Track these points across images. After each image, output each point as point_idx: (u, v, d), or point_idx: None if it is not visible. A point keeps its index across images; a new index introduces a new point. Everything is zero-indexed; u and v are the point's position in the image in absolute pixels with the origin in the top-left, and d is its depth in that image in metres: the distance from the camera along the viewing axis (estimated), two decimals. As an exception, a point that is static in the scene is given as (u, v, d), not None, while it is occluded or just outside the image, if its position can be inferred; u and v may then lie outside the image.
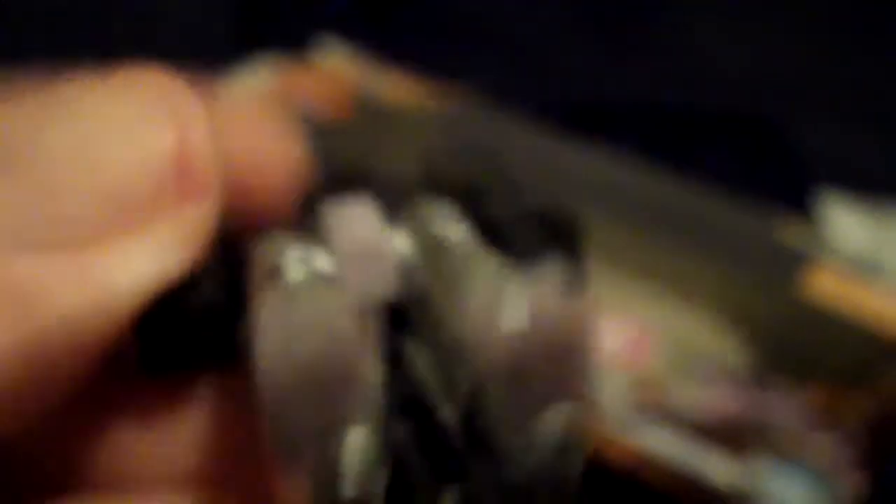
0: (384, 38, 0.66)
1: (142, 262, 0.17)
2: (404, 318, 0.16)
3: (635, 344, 0.56)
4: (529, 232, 0.16)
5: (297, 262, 0.16)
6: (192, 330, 0.17)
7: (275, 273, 0.16)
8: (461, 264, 0.16)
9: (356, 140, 0.65)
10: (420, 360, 0.16)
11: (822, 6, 0.86)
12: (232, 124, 0.18)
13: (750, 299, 0.57)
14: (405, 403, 0.16)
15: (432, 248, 0.17)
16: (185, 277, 0.17)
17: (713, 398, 0.46)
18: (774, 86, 0.84)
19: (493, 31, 0.72)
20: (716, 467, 0.43)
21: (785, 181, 0.77)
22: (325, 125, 0.60)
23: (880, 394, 0.47)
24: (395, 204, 0.17)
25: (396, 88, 0.63)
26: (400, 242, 0.17)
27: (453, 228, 0.16)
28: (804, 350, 0.53)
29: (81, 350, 0.16)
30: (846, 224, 0.72)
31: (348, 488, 0.15)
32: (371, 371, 0.16)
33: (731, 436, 0.44)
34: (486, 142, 0.64)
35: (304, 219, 0.17)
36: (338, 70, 0.64)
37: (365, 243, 0.16)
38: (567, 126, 0.67)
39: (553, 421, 0.16)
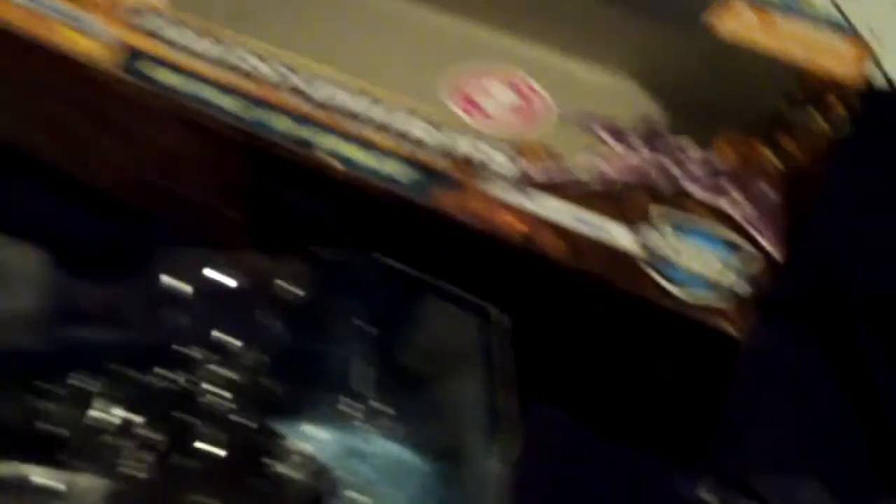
0: None
1: None
2: None
3: (528, 102, 0.54)
4: None
5: None
6: None
7: None
8: None
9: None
10: None
11: None
12: None
13: (655, 45, 0.55)
14: None
15: None
16: None
17: (614, 158, 0.44)
18: None
19: None
20: (617, 234, 0.41)
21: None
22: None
23: (796, 146, 0.45)
24: None
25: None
26: None
27: None
28: (714, 99, 0.51)
29: None
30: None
31: None
32: None
33: (633, 199, 0.42)
34: None
35: None
36: None
37: None
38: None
39: None
